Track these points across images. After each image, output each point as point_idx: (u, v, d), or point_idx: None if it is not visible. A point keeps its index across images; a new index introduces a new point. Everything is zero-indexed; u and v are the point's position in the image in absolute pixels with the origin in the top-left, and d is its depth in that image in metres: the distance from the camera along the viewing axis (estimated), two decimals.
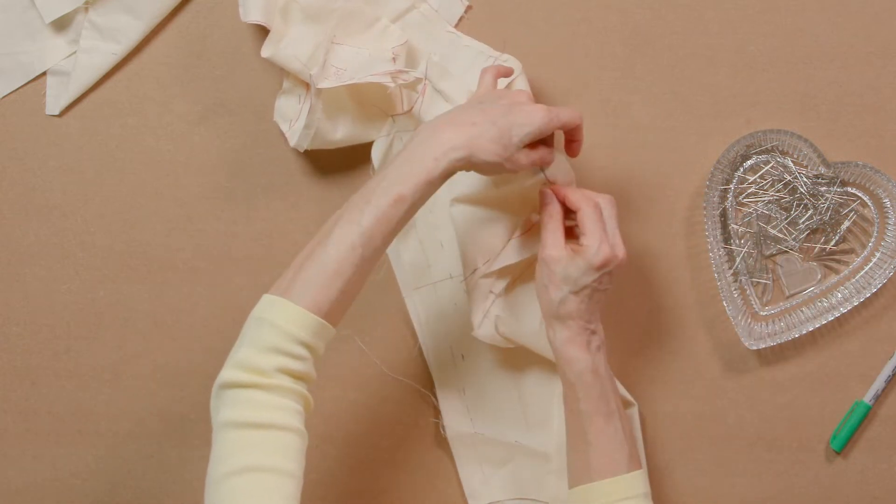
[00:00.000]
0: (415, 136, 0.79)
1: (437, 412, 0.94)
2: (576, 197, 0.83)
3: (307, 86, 0.94)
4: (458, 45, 0.94)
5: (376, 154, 0.94)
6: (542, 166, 0.83)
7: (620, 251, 0.81)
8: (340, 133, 0.92)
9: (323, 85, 0.88)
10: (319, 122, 0.90)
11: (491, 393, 0.94)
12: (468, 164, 0.78)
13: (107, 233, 0.99)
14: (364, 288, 0.96)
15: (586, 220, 0.81)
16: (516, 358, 0.93)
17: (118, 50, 0.98)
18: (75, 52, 0.99)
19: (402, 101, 0.94)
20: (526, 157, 0.80)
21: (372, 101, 0.93)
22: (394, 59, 0.91)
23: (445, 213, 0.93)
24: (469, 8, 0.97)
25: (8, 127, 1.00)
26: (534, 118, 0.79)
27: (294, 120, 0.94)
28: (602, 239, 0.80)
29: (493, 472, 0.93)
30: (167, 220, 0.98)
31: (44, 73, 1.00)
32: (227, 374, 0.72)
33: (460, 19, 0.96)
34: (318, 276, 0.75)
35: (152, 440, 0.97)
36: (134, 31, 0.98)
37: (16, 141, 1.00)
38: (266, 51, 0.92)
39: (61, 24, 0.99)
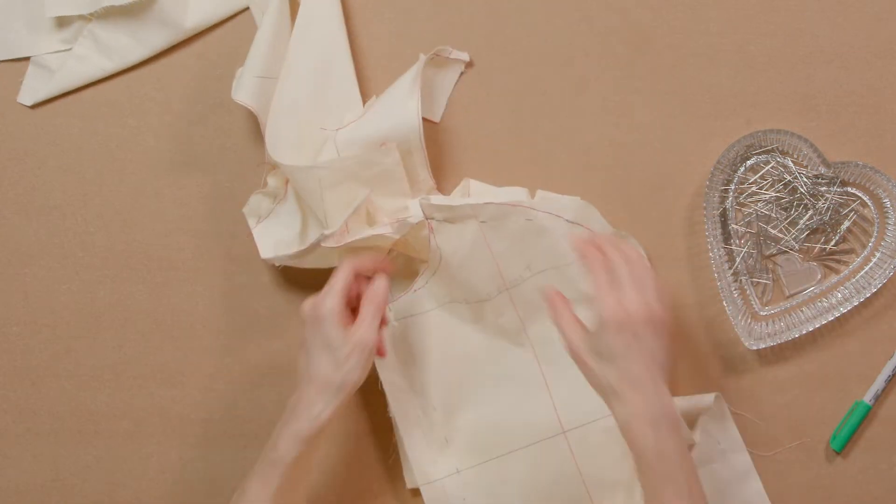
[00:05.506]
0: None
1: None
2: (579, 244, 0.81)
3: (286, 181, 0.94)
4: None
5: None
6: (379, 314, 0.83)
7: (635, 306, 0.75)
8: (308, 261, 0.91)
9: (328, 244, 0.87)
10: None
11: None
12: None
13: (107, 233, 0.99)
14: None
15: (588, 273, 0.78)
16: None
17: (109, 67, 0.98)
18: (63, 51, 0.98)
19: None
20: (361, 329, 0.81)
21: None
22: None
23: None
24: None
25: (8, 126, 1.00)
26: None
27: (263, 217, 0.93)
28: (606, 294, 0.76)
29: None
30: (167, 220, 0.98)
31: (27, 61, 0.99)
32: None
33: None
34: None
35: (152, 440, 0.97)
36: (131, 54, 0.98)
37: (15, 140, 1.00)
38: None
39: (61, 23, 0.99)
